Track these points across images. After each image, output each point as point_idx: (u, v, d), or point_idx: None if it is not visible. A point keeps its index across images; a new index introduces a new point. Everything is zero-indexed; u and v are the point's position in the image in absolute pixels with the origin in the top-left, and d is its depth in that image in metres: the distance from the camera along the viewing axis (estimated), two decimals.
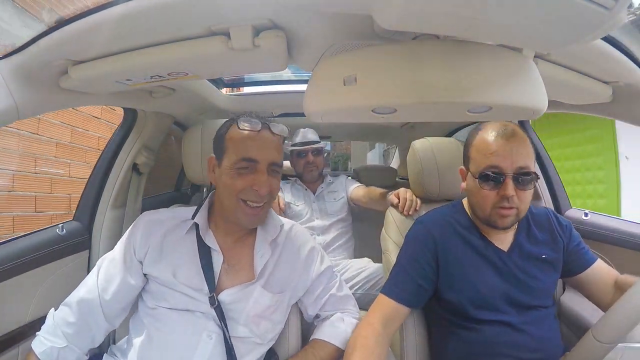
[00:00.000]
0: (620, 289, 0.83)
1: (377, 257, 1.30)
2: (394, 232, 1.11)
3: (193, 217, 0.83)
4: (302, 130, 1.86)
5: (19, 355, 0.94)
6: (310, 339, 0.87)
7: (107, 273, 0.81)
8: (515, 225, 0.90)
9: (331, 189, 1.83)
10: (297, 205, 1.73)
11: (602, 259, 1.11)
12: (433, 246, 0.87)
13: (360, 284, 1.46)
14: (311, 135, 1.84)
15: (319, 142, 1.84)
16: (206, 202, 0.87)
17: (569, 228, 0.92)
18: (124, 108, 1.28)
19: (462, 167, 0.90)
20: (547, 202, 1.31)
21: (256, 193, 0.77)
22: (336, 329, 0.86)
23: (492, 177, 0.78)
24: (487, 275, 0.85)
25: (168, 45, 0.69)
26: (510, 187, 0.77)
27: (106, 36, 0.66)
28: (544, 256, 0.87)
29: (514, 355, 0.79)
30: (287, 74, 1.76)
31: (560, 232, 0.90)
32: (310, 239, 0.94)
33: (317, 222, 1.70)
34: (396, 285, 0.87)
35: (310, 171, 1.80)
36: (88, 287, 0.81)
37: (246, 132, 0.78)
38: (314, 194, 1.80)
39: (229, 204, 0.79)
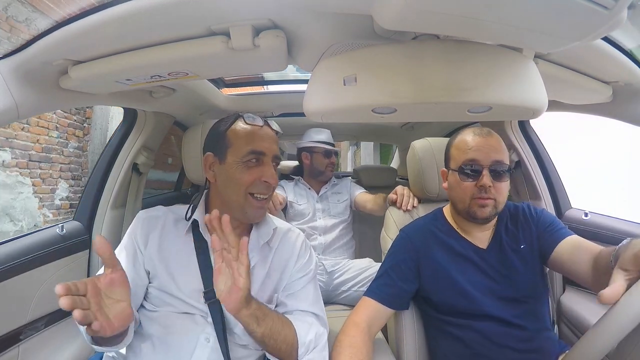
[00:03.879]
0: (595, 266, 0.74)
1: (378, 257, 1.30)
2: (393, 232, 1.11)
3: (187, 216, 0.83)
4: (327, 130, 1.87)
5: (19, 355, 0.94)
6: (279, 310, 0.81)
7: None
8: (494, 223, 0.94)
9: (335, 191, 1.83)
10: (300, 205, 1.73)
11: None
12: (414, 253, 0.92)
13: (361, 284, 1.46)
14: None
15: None
16: (202, 201, 0.87)
17: (539, 213, 0.93)
18: (124, 108, 1.28)
19: (444, 168, 0.97)
20: (547, 202, 1.31)
21: (266, 185, 0.79)
22: (305, 327, 0.78)
23: (471, 169, 0.87)
24: (470, 274, 0.88)
25: (168, 45, 0.69)
26: (487, 178, 0.84)
27: (106, 36, 0.66)
28: (522, 246, 0.89)
29: (506, 346, 0.81)
30: (292, 72, 1.76)
31: (531, 220, 0.92)
32: (307, 247, 0.91)
33: (320, 222, 1.70)
34: (379, 288, 0.92)
35: (331, 170, 1.82)
36: None
37: (251, 127, 0.81)
38: (318, 194, 1.80)
39: (237, 199, 0.79)
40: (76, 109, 3.88)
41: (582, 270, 0.77)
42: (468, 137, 0.90)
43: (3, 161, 3.04)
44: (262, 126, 0.82)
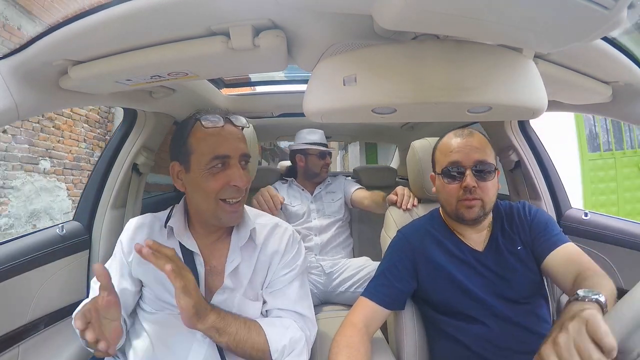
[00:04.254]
0: (576, 283, 0.73)
1: (377, 256, 1.30)
2: (393, 232, 1.11)
3: (165, 222, 0.83)
4: (319, 131, 1.82)
5: (19, 355, 0.94)
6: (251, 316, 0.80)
7: None
8: (490, 224, 0.93)
9: (329, 190, 1.81)
10: (294, 206, 1.71)
11: (602, 259, 1.11)
12: (411, 253, 0.93)
13: (358, 283, 1.46)
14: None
15: None
16: (181, 205, 0.86)
17: (532, 214, 0.92)
18: (124, 108, 1.28)
19: (432, 173, 0.98)
20: (547, 202, 1.31)
21: (235, 189, 0.76)
22: (280, 331, 0.77)
23: (454, 172, 0.87)
24: (466, 276, 0.87)
25: (168, 45, 0.69)
26: (470, 178, 0.85)
27: (106, 36, 0.66)
28: (519, 247, 0.88)
29: (506, 347, 0.81)
30: (284, 74, 1.76)
31: (526, 221, 0.91)
32: (295, 242, 0.89)
33: (314, 223, 1.69)
34: (376, 289, 0.91)
35: (325, 171, 1.80)
36: None
37: (210, 129, 0.76)
38: (312, 194, 1.78)
39: (208, 207, 0.77)
40: (99, 123, 4.51)
41: (568, 284, 0.76)
42: (450, 139, 0.91)
43: (44, 169, 3.70)
44: (223, 126, 0.76)
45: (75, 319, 0.62)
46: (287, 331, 0.78)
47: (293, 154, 1.83)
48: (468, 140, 0.88)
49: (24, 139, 3.40)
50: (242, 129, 0.81)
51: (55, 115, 3.79)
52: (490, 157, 0.88)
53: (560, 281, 0.81)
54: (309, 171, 1.78)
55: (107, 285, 0.64)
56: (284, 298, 0.83)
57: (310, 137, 1.79)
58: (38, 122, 3.58)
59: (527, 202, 0.98)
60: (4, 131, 3.19)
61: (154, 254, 0.64)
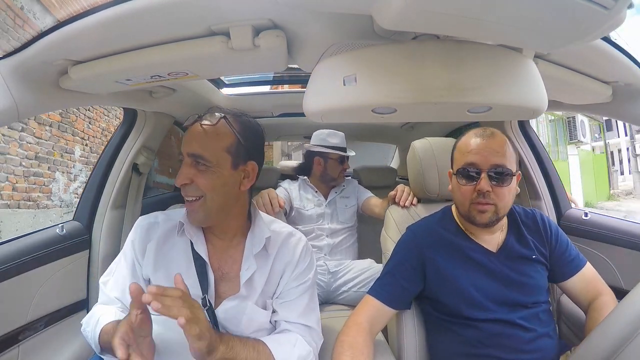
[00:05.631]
0: (590, 314, 0.86)
1: (378, 256, 1.30)
2: (393, 231, 1.11)
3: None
4: (340, 133, 1.77)
5: (19, 355, 0.94)
6: (259, 337, 0.80)
7: (119, 286, 0.80)
8: (505, 226, 0.92)
9: (344, 195, 1.78)
10: (307, 210, 1.68)
11: (602, 259, 1.11)
12: (418, 252, 0.91)
13: (361, 285, 1.46)
14: None
15: None
16: None
17: (554, 232, 0.92)
18: (124, 108, 1.28)
19: (450, 170, 0.96)
20: (547, 202, 1.31)
21: (181, 186, 0.76)
22: (288, 350, 0.77)
23: (469, 173, 0.84)
24: (477, 276, 0.86)
25: (168, 45, 0.69)
26: (485, 182, 0.82)
27: (106, 36, 0.66)
28: (533, 256, 0.88)
29: (510, 346, 0.81)
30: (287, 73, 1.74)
31: (545, 236, 0.91)
32: (308, 253, 0.88)
33: (327, 226, 1.68)
34: (382, 287, 0.90)
35: (343, 177, 1.78)
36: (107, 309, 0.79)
37: (188, 128, 0.79)
38: (326, 198, 1.74)
39: None
40: None
41: (584, 305, 0.89)
42: (470, 139, 0.87)
43: None
44: (192, 125, 0.77)
45: (116, 348, 0.60)
46: (294, 349, 0.77)
47: (311, 155, 1.76)
48: (488, 142, 0.84)
49: (94, 150, 4.67)
50: (213, 125, 0.77)
51: (108, 133, 4.85)
52: (510, 161, 0.84)
53: (578, 302, 0.91)
54: (326, 175, 1.74)
55: (140, 305, 0.62)
56: (293, 311, 0.82)
57: (331, 140, 1.72)
58: (100, 138, 4.71)
59: (542, 213, 0.97)
60: (85, 145, 4.40)
61: (161, 300, 0.61)
